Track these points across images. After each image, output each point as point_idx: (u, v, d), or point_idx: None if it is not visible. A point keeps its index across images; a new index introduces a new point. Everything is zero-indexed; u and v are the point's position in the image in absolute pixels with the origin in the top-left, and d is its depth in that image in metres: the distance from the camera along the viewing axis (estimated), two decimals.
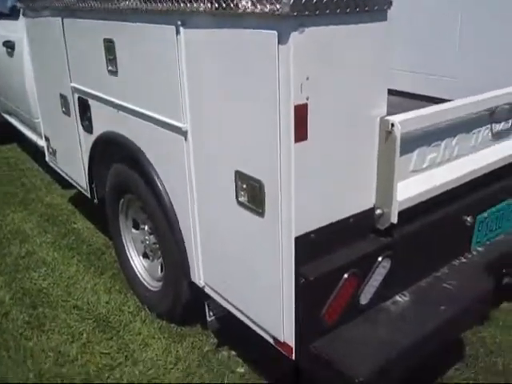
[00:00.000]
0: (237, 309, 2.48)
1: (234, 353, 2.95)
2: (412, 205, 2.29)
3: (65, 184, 4.21)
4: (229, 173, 2.22)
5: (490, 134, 2.64)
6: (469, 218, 2.61)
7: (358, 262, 2.17)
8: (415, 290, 2.45)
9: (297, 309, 2.11)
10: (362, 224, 2.22)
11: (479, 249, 2.78)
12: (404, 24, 3.58)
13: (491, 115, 2.58)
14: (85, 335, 3.10)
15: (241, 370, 2.85)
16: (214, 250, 2.53)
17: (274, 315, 2.21)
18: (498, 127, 2.68)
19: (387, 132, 2.10)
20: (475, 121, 2.52)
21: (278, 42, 1.81)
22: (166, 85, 2.45)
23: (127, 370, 2.85)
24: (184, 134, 2.43)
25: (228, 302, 2.53)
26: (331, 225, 2.11)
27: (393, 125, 2.07)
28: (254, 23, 1.91)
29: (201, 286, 2.69)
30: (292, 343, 2.18)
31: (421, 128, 2.22)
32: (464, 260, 2.69)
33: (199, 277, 2.68)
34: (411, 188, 2.29)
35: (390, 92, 3.09)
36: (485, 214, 2.72)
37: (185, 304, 2.95)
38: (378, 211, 2.22)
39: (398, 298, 2.40)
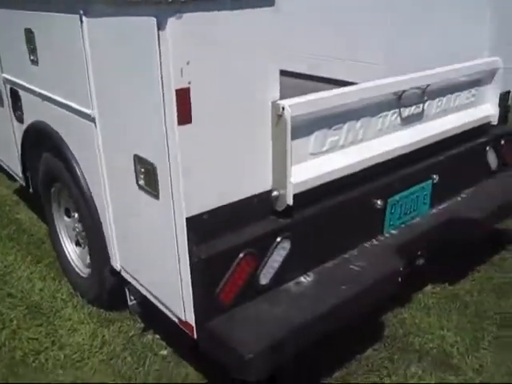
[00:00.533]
0: (147, 291, 2.54)
1: (158, 336, 3.00)
2: (312, 187, 2.35)
3: (12, 175, 4.24)
4: (129, 157, 2.27)
5: (398, 119, 2.70)
6: (379, 201, 2.67)
7: (254, 242, 2.22)
8: (320, 271, 2.51)
9: (193, 288, 2.17)
10: (260, 205, 2.27)
11: (393, 231, 2.84)
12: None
13: (399, 100, 2.64)
14: (15, 322, 3.14)
15: (164, 352, 2.90)
16: (125, 233, 2.59)
17: (176, 295, 2.26)
18: (408, 112, 2.74)
19: (278, 115, 2.15)
20: (381, 105, 2.58)
21: (158, 28, 1.86)
22: (76, 73, 2.50)
23: (53, 354, 2.90)
24: (93, 120, 2.48)
25: (140, 284, 2.59)
26: (226, 206, 2.17)
27: (283, 108, 2.13)
28: (138, 10, 1.96)
29: (118, 270, 2.74)
30: (192, 322, 2.24)
31: (316, 111, 2.27)
32: (376, 242, 2.75)
33: (116, 261, 2.73)
34: (311, 170, 2.35)
35: (311, 77, 3.15)
36: (396, 197, 2.78)
37: (110, 289, 2.99)
38: (275, 193, 2.27)
39: (301, 278, 2.46)
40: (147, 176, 2.19)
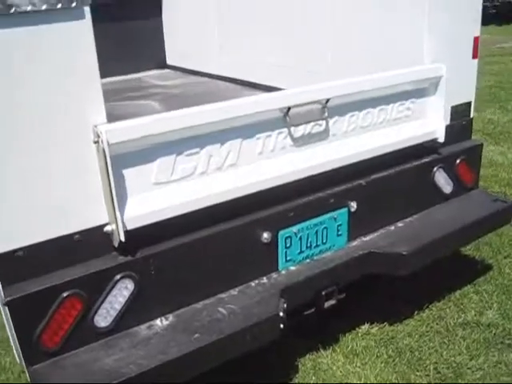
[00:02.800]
0: None
1: None
2: (162, 219, 2.08)
3: None
4: None
5: (288, 139, 2.36)
6: (265, 234, 2.35)
7: (81, 281, 1.99)
8: (183, 314, 2.23)
9: (12, 331, 1.98)
10: (95, 241, 2.04)
11: (292, 268, 2.49)
12: None
13: (285, 117, 2.29)
14: None
15: None
16: None
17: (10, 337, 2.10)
18: (302, 130, 2.38)
19: (95, 142, 1.91)
20: (256, 125, 2.25)
21: None
22: None
23: None
24: None
25: None
26: (49, 242, 1.95)
27: (99, 134, 1.88)
28: None
29: None
30: (24, 365, 2.06)
31: (151, 135, 1.99)
32: (265, 281, 2.42)
33: None
34: (157, 201, 2.08)
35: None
36: (293, 229, 2.43)
37: None
38: (108, 228, 2.03)
39: (157, 321, 2.19)
40: None
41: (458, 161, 2.94)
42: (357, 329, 2.91)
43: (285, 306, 2.27)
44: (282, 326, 2.23)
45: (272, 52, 3.61)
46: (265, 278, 2.43)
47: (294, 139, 2.37)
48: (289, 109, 2.28)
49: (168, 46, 4.63)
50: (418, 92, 2.71)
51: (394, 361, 2.69)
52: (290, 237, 2.43)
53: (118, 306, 2.09)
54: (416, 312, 2.99)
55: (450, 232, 2.76)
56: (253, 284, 2.40)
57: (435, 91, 2.74)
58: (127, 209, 2.01)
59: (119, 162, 1.94)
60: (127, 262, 2.07)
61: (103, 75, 4.04)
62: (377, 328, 2.91)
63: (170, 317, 2.21)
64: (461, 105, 2.93)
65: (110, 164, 1.89)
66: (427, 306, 3.03)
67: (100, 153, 1.90)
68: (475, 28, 2.86)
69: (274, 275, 2.45)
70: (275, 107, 2.25)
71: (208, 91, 3.85)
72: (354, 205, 2.58)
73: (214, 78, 4.14)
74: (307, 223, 2.47)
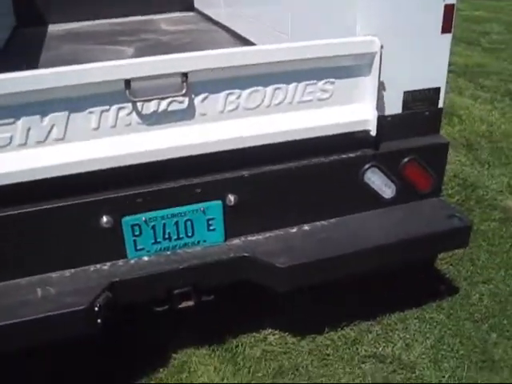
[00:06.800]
0: None
1: None
2: None
3: None
4: None
5: (135, 116, 2.04)
6: (105, 219, 2.11)
7: None
8: (2, 288, 2.12)
9: None
10: None
11: (145, 258, 2.22)
12: None
13: (125, 92, 1.97)
14: None
15: None
16: None
17: None
18: (155, 108, 2.04)
19: None
20: (88, 97, 1.97)
21: None
22: None
23: None
24: None
25: None
26: None
27: None
28: None
29: None
30: None
31: None
32: (106, 267, 2.19)
33: None
34: None
35: None
36: (142, 217, 2.15)
37: None
38: None
39: None
40: None
41: (405, 160, 2.34)
42: (254, 333, 2.56)
43: (106, 300, 2.06)
44: (99, 320, 2.04)
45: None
46: (108, 263, 2.21)
47: (142, 116, 2.04)
48: (128, 82, 1.95)
49: None
50: (339, 71, 2.16)
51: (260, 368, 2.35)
52: (138, 224, 2.16)
53: None
54: (330, 328, 2.54)
55: (361, 248, 2.26)
56: (92, 268, 2.19)
57: (366, 71, 2.17)
58: None
59: None
60: None
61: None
62: (277, 336, 2.54)
63: None
64: (421, 91, 2.29)
65: None
66: (348, 325, 2.56)
67: None
68: None
69: (120, 263, 2.21)
70: (107, 79, 1.94)
71: (196, 42, 3.52)
72: (232, 198, 2.20)
73: (222, 27, 3.78)
74: (161, 212, 2.17)
